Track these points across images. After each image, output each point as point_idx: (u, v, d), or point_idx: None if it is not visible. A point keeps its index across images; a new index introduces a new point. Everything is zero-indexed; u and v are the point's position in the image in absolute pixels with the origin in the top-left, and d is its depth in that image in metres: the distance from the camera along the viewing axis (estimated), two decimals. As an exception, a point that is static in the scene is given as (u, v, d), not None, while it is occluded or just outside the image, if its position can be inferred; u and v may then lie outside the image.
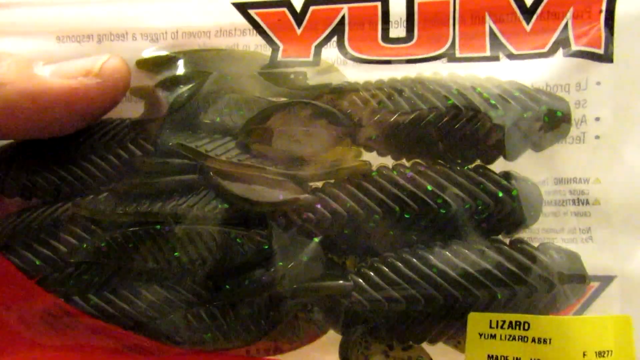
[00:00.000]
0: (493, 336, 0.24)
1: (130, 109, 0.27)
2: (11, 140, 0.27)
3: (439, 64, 0.26)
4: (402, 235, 0.25)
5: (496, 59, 0.26)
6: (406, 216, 0.25)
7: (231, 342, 0.26)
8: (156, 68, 0.27)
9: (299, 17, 0.27)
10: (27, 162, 0.27)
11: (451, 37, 0.26)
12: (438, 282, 0.24)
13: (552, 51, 0.26)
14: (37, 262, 0.26)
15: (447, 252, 0.25)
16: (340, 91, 0.26)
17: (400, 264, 0.25)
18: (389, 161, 0.26)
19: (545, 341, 0.24)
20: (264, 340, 0.26)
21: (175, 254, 0.25)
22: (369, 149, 0.26)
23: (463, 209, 0.25)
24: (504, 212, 0.25)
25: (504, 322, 0.24)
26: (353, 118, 0.25)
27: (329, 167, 0.25)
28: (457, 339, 0.25)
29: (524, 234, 0.25)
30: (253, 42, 0.27)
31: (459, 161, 0.25)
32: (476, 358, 0.24)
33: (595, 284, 0.26)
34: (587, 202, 0.26)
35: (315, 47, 0.27)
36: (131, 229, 0.25)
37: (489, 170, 0.25)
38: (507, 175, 0.25)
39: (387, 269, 0.25)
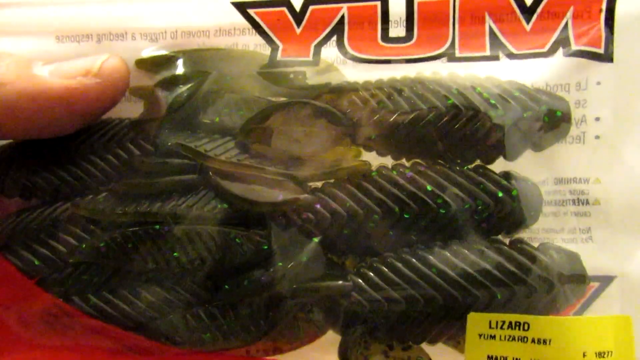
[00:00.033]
0: (493, 336, 0.24)
1: (130, 109, 0.27)
2: (10, 140, 0.27)
3: (439, 63, 0.26)
4: (402, 236, 0.25)
5: (496, 58, 0.26)
6: (406, 216, 0.25)
7: (230, 343, 0.26)
8: (155, 68, 0.27)
9: (298, 17, 0.27)
10: (27, 162, 0.27)
11: (451, 37, 0.26)
12: (438, 282, 0.24)
13: (552, 51, 0.26)
14: (37, 262, 0.26)
15: (446, 253, 0.25)
16: (339, 91, 0.26)
17: (399, 264, 0.25)
18: (388, 161, 0.26)
19: (545, 342, 0.24)
20: (264, 340, 0.26)
21: (175, 254, 0.25)
22: (369, 148, 0.26)
23: (463, 209, 0.25)
24: (504, 212, 0.25)
25: (503, 322, 0.24)
26: (352, 118, 0.25)
27: (328, 167, 0.25)
28: (456, 339, 0.25)
29: (524, 234, 0.25)
30: (252, 42, 0.27)
31: (459, 161, 0.25)
32: (476, 358, 0.24)
33: (595, 284, 0.26)
34: (587, 202, 0.26)
35: (315, 46, 0.27)
36: (130, 229, 0.25)
37: (489, 170, 0.25)
38: (507, 175, 0.25)
39: (386, 269, 0.25)
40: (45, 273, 0.26)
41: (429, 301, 0.24)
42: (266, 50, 0.27)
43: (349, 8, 0.26)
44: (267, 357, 0.27)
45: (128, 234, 0.25)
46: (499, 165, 0.25)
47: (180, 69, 0.27)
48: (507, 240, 0.25)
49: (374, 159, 0.26)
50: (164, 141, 0.26)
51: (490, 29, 0.26)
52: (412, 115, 0.25)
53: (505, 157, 0.25)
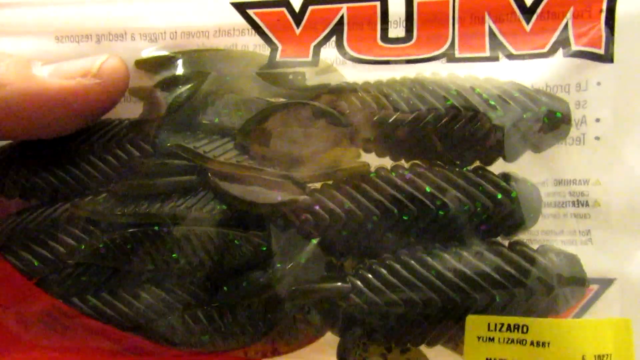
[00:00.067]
0: (491, 339, 0.24)
1: (129, 110, 0.27)
2: (10, 141, 0.27)
3: (438, 64, 0.26)
4: (401, 237, 0.25)
5: (496, 59, 0.26)
6: (404, 218, 0.25)
7: (229, 344, 0.26)
8: (155, 68, 0.27)
9: (297, 17, 0.27)
10: (26, 162, 0.27)
11: (450, 37, 0.26)
12: (436, 284, 0.24)
13: (552, 51, 0.26)
14: (36, 263, 0.26)
15: (445, 254, 0.25)
16: (339, 92, 0.26)
17: (398, 266, 0.25)
18: (387, 162, 0.26)
19: (543, 344, 0.24)
20: (262, 341, 0.26)
21: (174, 255, 0.25)
22: (368, 150, 0.26)
23: (462, 211, 0.25)
24: (503, 213, 0.25)
25: (502, 324, 0.24)
26: (352, 119, 0.25)
27: (327, 168, 0.25)
28: (455, 342, 0.25)
29: (523, 236, 0.25)
30: (252, 42, 0.27)
31: (458, 162, 0.25)
32: (474, 360, 0.24)
33: (594, 287, 0.26)
34: (587, 204, 0.26)
35: (314, 47, 0.27)
36: (129, 230, 0.25)
37: (488, 171, 0.25)
38: (506, 177, 0.25)
39: (385, 271, 0.25)
40: (45, 274, 0.26)
41: (428, 303, 0.24)
42: (265, 50, 0.27)
43: (348, 8, 0.26)
44: (266, 359, 0.27)
45: (127, 235, 0.25)
46: (498, 167, 0.25)
47: (179, 69, 0.27)
48: (506, 242, 0.25)
49: (373, 160, 0.26)
50: (163, 142, 0.26)
51: (490, 29, 0.26)
52: (411, 116, 0.25)
53: (504, 159, 0.25)
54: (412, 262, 0.25)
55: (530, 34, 0.26)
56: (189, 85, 0.26)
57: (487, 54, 0.26)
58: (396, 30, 0.26)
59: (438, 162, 0.25)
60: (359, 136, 0.26)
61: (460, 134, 0.25)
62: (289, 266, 0.25)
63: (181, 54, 0.27)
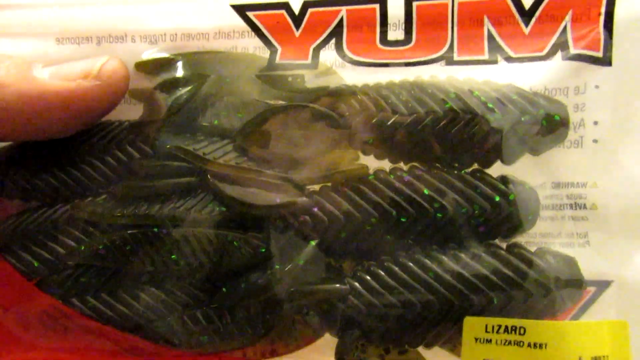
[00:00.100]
0: (489, 340, 0.24)
1: (129, 111, 0.27)
2: (10, 142, 0.27)
3: (437, 66, 0.26)
4: (399, 239, 0.25)
5: (494, 62, 0.26)
6: (403, 220, 0.25)
7: (228, 345, 0.26)
8: (155, 70, 0.27)
9: (297, 20, 0.27)
10: (26, 164, 0.27)
11: (449, 40, 0.26)
12: (434, 286, 0.24)
13: (550, 54, 0.26)
14: (36, 264, 0.26)
15: (443, 257, 0.25)
16: (338, 94, 0.26)
17: (396, 268, 0.25)
18: (386, 165, 0.26)
19: (541, 346, 0.24)
20: (261, 342, 0.26)
21: (173, 256, 0.25)
22: (367, 152, 0.26)
23: (460, 213, 0.25)
24: (501, 216, 0.25)
25: (499, 326, 0.24)
26: (351, 121, 0.25)
27: (326, 170, 0.26)
28: (453, 343, 0.25)
29: (521, 239, 0.25)
30: (251, 45, 0.27)
31: (457, 165, 0.25)
32: (472, 362, 0.24)
33: (591, 289, 0.26)
34: (585, 207, 0.26)
35: (314, 49, 0.27)
36: (129, 232, 0.26)
37: (486, 174, 0.25)
38: (504, 180, 0.25)
39: (383, 273, 0.25)
40: (45, 274, 0.26)
41: (426, 305, 0.24)
42: (265, 53, 0.27)
43: (347, 11, 0.26)
44: (264, 360, 0.27)
45: (127, 236, 0.26)
46: (496, 169, 0.25)
47: (179, 71, 0.27)
48: (504, 245, 0.25)
49: (371, 163, 0.26)
50: (162, 144, 0.26)
51: (489, 32, 0.26)
52: (410, 119, 0.25)
53: (502, 161, 0.25)
54: (410, 264, 0.25)
55: (529, 37, 0.26)
56: (189, 88, 0.26)
57: (486, 56, 0.26)
58: (395, 32, 0.26)
59: (436, 164, 0.25)
60: (358, 138, 0.26)
61: (458, 137, 0.25)
62: (288, 268, 0.25)
63: (181, 56, 0.27)
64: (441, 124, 0.25)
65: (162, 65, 0.27)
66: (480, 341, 0.24)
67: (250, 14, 0.27)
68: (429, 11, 0.26)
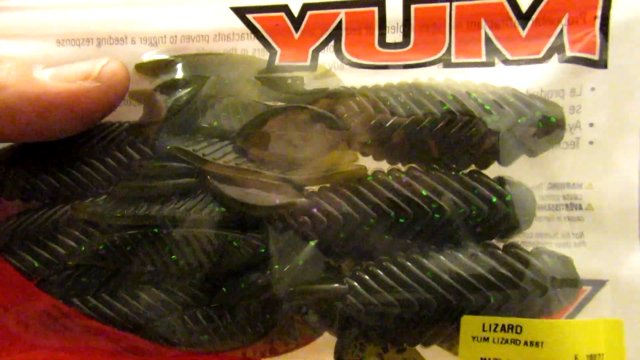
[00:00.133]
0: (486, 339, 0.24)
1: (129, 112, 0.27)
2: (10, 143, 0.27)
3: (435, 69, 0.26)
4: (397, 239, 0.25)
5: (492, 64, 0.26)
6: (401, 220, 0.25)
7: (228, 344, 0.26)
8: (155, 72, 0.27)
9: (296, 22, 0.27)
10: (27, 164, 0.27)
11: (447, 43, 0.26)
12: (432, 285, 0.24)
13: (547, 57, 0.26)
14: (36, 264, 0.26)
15: (441, 257, 0.25)
16: (337, 96, 0.26)
17: (395, 268, 0.25)
18: (384, 166, 0.26)
19: (537, 344, 0.24)
20: (260, 342, 0.26)
21: (173, 257, 0.25)
22: (365, 153, 0.26)
23: (457, 214, 0.25)
24: (498, 217, 0.25)
25: (496, 325, 0.24)
26: (349, 123, 0.26)
27: (325, 171, 0.26)
28: (450, 342, 0.25)
29: (517, 239, 0.26)
30: (251, 47, 0.27)
31: (454, 166, 0.26)
32: (469, 361, 0.25)
33: (587, 288, 0.26)
34: (580, 207, 0.26)
35: (313, 51, 0.27)
36: (129, 232, 0.26)
37: (484, 175, 0.25)
38: (501, 181, 0.25)
39: (382, 273, 0.25)
40: (45, 275, 0.26)
41: (424, 304, 0.25)
42: (264, 55, 0.27)
43: (346, 14, 0.27)
44: (264, 359, 0.27)
45: (127, 236, 0.26)
46: (493, 171, 0.26)
47: (179, 73, 0.27)
48: (501, 245, 0.26)
49: (370, 164, 0.26)
50: (162, 145, 0.26)
51: (486, 35, 0.26)
52: (408, 121, 0.25)
53: (499, 162, 0.25)
54: (408, 263, 0.25)
55: (525, 40, 0.26)
56: (189, 89, 0.27)
57: (483, 59, 0.26)
58: (394, 35, 0.27)
59: (434, 165, 0.26)
60: (357, 140, 0.26)
61: (456, 138, 0.25)
62: (287, 268, 0.25)
63: (181, 58, 0.27)
64: (439, 125, 0.25)
65: (162, 66, 0.27)
66: (477, 340, 0.25)
67: (249, 17, 0.27)
68: (427, 14, 0.26)
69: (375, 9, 0.26)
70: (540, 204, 0.26)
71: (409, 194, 0.25)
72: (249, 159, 0.26)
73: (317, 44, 0.27)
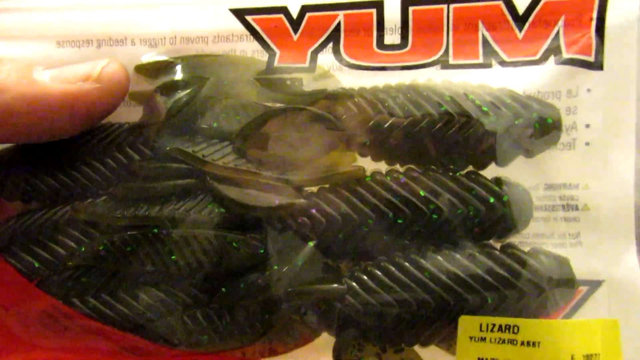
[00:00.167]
0: (483, 339, 0.25)
1: (129, 113, 0.27)
2: (11, 144, 0.28)
3: (433, 70, 0.26)
4: (395, 240, 0.25)
5: (489, 66, 0.26)
6: (399, 221, 0.25)
7: (227, 344, 0.26)
8: (155, 73, 0.27)
9: (295, 24, 0.27)
10: (27, 165, 0.27)
11: (445, 44, 0.26)
12: (430, 286, 0.25)
13: (543, 58, 0.26)
14: (36, 265, 0.26)
15: (439, 257, 0.25)
16: (335, 97, 0.26)
17: (393, 268, 0.25)
18: (383, 167, 0.26)
19: (534, 344, 0.24)
20: (259, 342, 0.26)
21: (173, 257, 0.26)
22: (364, 154, 0.26)
23: (455, 215, 0.25)
24: (495, 217, 0.25)
25: (494, 325, 0.25)
26: (348, 124, 0.26)
27: (323, 172, 0.26)
28: (448, 342, 0.26)
29: (514, 239, 0.26)
30: (250, 48, 0.27)
31: (452, 167, 0.26)
32: (467, 360, 0.25)
33: (583, 288, 0.26)
34: (577, 208, 0.26)
35: (312, 53, 0.27)
36: (129, 233, 0.26)
37: (481, 176, 0.26)
38: (498, 181, 0.25)
39: (380, 273, 0.25)
40: (45, 275, 0.26)
41: (422, 304, 0.25)
42: (263, 56, 0.27)
43: (345, 15, 0.27)
44: (263, 359, 0.27)
45: (127, 237, 0.26)
46: (491, 171, 0.26)
47: (179, 74, 0.27)
48: (498, 245, 0.26)
49: (368, 165, 0.26)
50: (162, 146, 0.26)
51: (484, 36, 0.26)
52: (406, 122, 0.25)
53: (496, 163, 0.25)
54: (406, 264, 0.25)
55: (522, 42, 0.26)
56: (188, 90, 0.27)
57: (481, 60, 0.26)
58: (392, 37, 0.27)
59: (432, 166, 0.26)
60: (355, 141, 0.26)
61: (453, 139, 0.25)
62: (286, 268, 0.25)
63: (180, 59, 0.27)
64: (437, 126, 0.25)
65: (161, 68, 0.27)
66: (474, 340, 0.25)
67: (249, 18, 0.27)
68: (425, 16, 0.26)
69: (374, 11, 0.27)
70: (537, 205, 0.26)
71: (407, 195, 0.25)
72: (248, 160, 0.26)
73: (316, 45, 0.27)
